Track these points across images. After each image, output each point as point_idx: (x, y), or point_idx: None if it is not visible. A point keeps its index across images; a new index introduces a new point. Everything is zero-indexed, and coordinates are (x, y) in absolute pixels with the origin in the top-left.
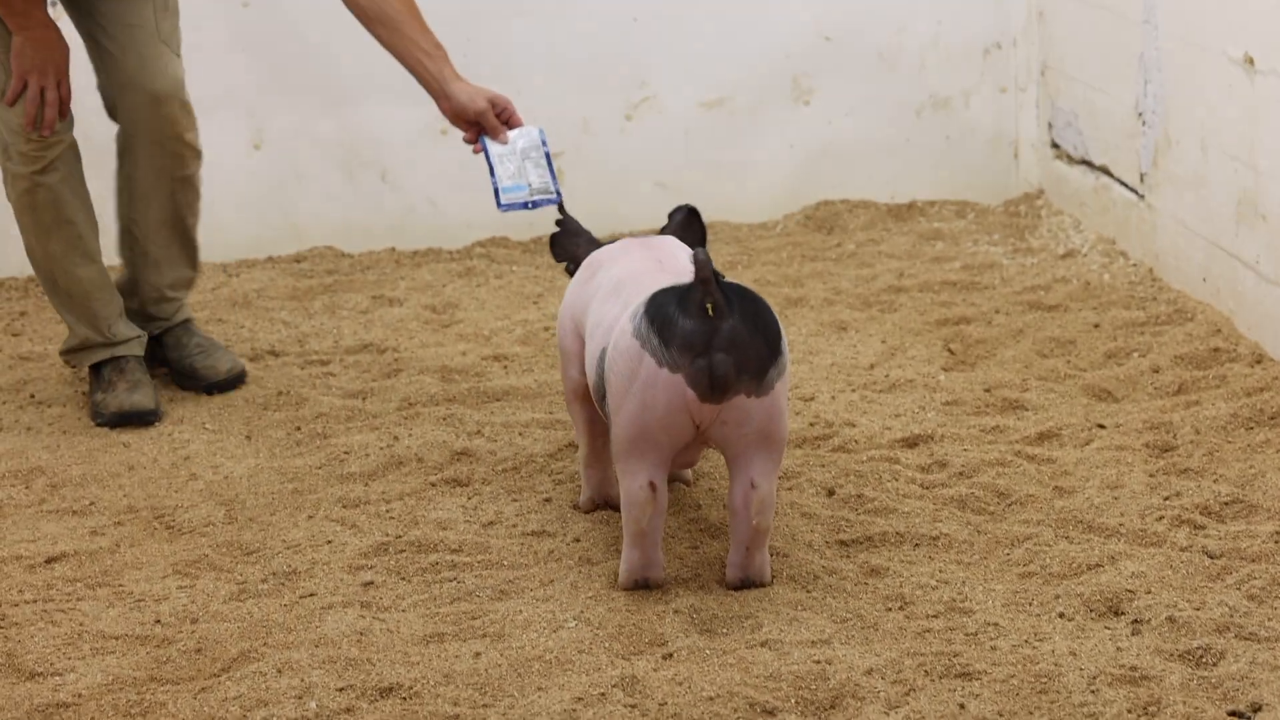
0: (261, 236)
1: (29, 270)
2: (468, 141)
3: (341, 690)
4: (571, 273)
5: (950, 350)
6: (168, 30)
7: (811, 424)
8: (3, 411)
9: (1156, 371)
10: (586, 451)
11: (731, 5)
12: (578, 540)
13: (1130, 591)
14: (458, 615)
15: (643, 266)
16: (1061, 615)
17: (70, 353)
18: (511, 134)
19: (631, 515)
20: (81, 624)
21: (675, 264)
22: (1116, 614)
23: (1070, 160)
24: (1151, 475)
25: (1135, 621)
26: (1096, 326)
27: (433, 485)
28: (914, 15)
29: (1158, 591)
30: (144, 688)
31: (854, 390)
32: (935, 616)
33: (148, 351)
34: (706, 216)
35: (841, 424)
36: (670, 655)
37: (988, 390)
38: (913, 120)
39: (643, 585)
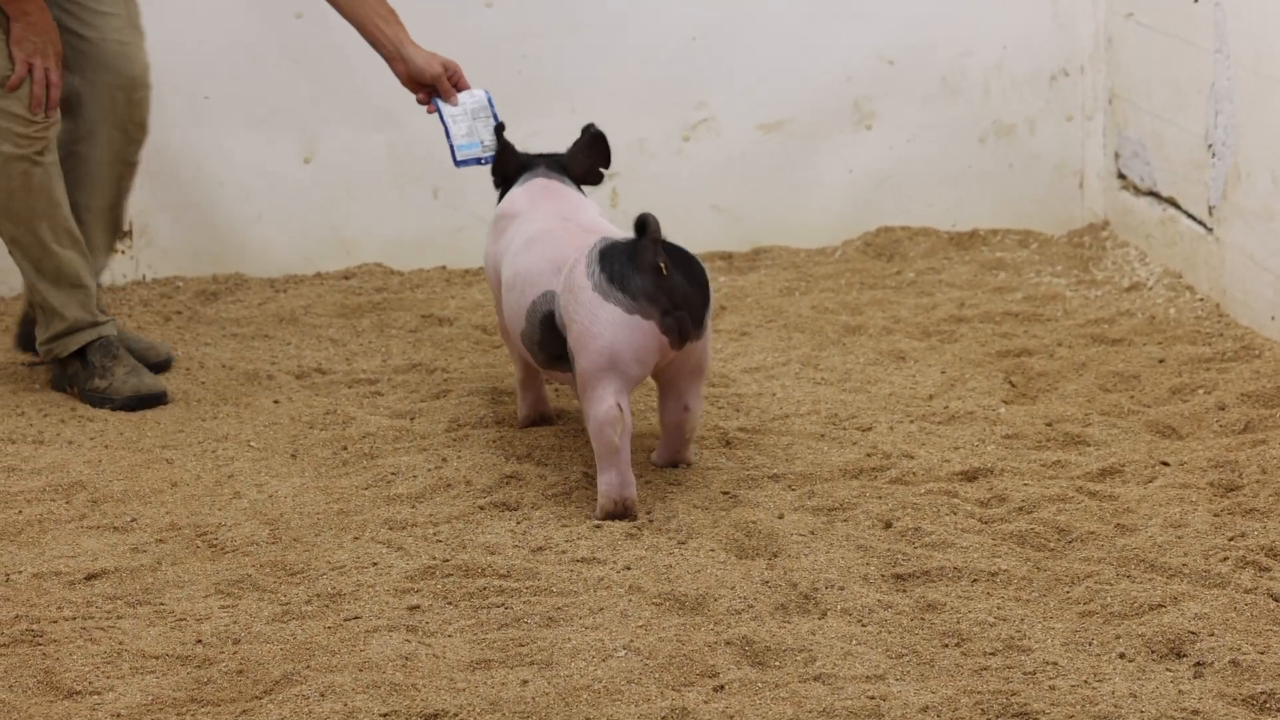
0: (310, 252)
1: None
2: (421, 103)
3: (385, 716)
4: (500, 190)
5: (1011, 383)
6: (136, 15)
7: (869, 454)
8: (44, 425)
9: (1222, 409)
10: (522, 375)
11: (793, 26)
12: (628, 568)
13: (1193, 633)
14: (505, 642)
15: (551, 223)
16: (1122, 656)
17: (56, 339)
18: (461, 96)
19: (604, 436)
20: (121, 642)
21: (580, 218)
22: (1178, 656)
23: (1137, 191)
24: (1216, 515)
25: (1198, 664)
26: (1161, 362)
27: (481, 508)
28: (979, 40)
29: (1221, 634)
30: (184, 709)
31: (912, 421)
32: (993, 654)
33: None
34: (764, 241)
35: (899, 455)
36: (721, 687)
37: (1049, 424)
38: (976, 147)
39: (620, 507)
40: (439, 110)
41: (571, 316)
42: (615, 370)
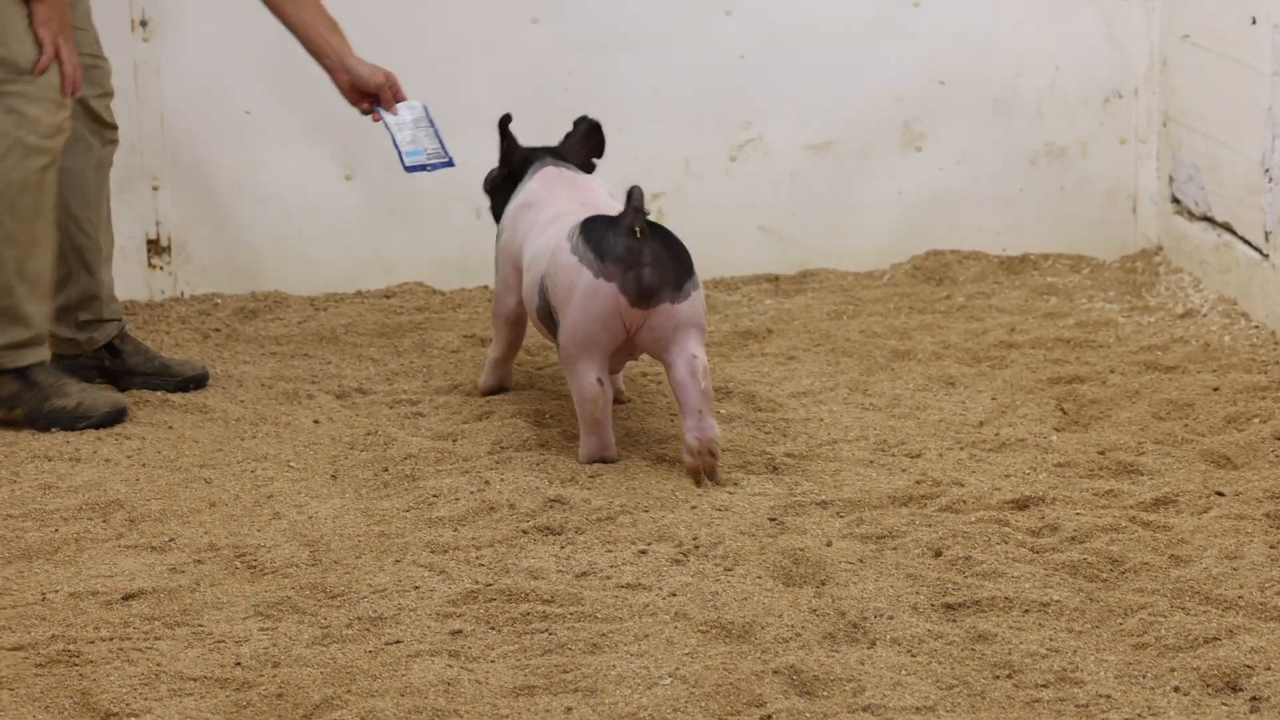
0: (351, 270)
1: None
2: (365, 112)
3: None
4: (490, 191)
5: (1063, 410)
6: (96, 33)
7: (918, 481)
8: (80, 442)
9: (1278, 438)
10: (500, 353)
11: (843, 45)
12: (674, 594)
13: (1249, 667)
14: (549, 668)
15: (569, 206)
16: (1176, 689)
17: (12, 348)
18: (400, 107)
19: (587, 409)
20: (159, 664)
21: (596, 202)
22: (1234, 690)
23: (1191, 216)
24: (1272, 546)
25: (1254, 699)
26: (1216, 390)
27: (524, 532)
28: (1031, 61)
29: (1278, 668)
30: None
31: (962, 448)
32: (1045, 686)
33: (94, 366)
34: (811, 263)
35: (949, 483)
36: (768, 717)
37: (1101, 453)
38: (1027, 170)
39: (600, 461)
40: (384, 119)
41: (551, 282)
42: (590, 341)
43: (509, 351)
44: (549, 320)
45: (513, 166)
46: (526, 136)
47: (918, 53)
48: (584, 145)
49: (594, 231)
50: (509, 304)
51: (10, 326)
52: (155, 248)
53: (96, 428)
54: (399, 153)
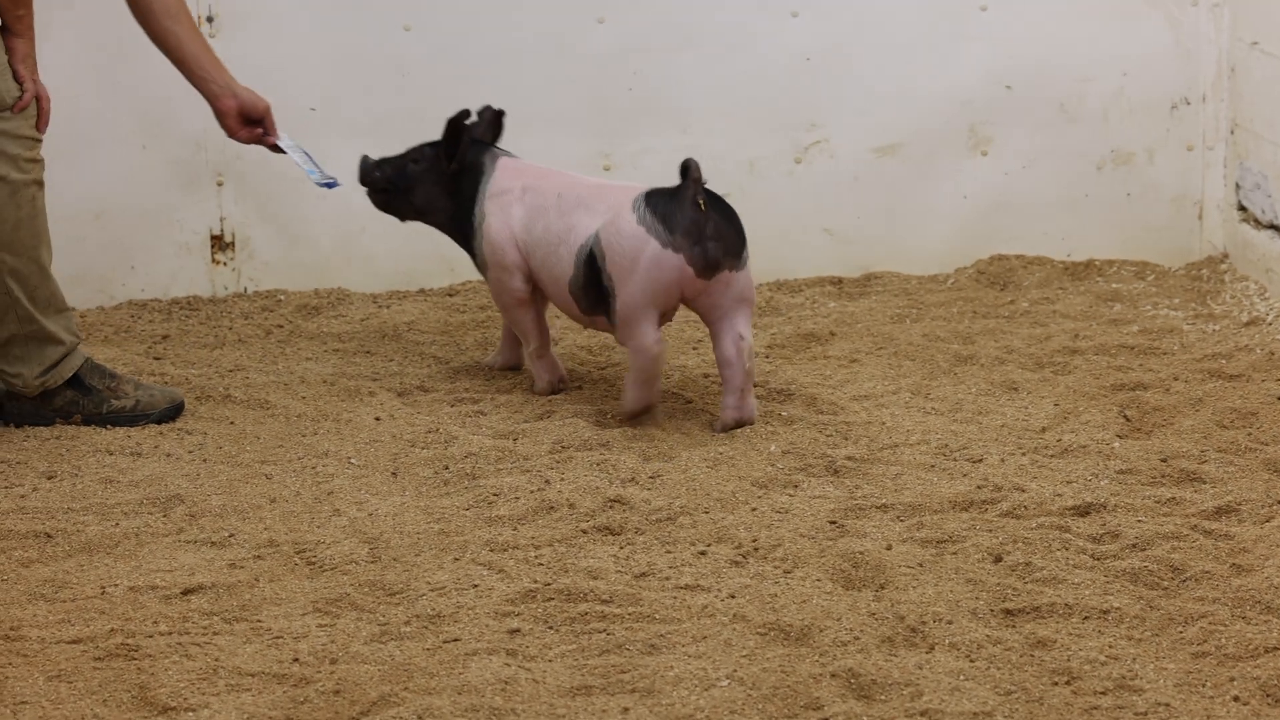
0: (414, 268)
1: (173, 291)
2: (245, 140)
3: None
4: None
5: (1126, 417)
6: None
7: (979, 486)
8: (142, 437)
9: None
10: (536, 345)
11: (909, 48)
12: (733, 596)
13: None
14: (606, 668)
15: (565, 185)
16: (1236, 699)
17: (53, 368)
18: (280, 133)
19: (647, 366)
20: (217, 659)
21: (581, 179)
22: None
23: (1257, 224)
24: None
25: None
26: None
27: (584, 532)
28: (1099, 66)
29: None
30: None
31: (1024, 454)
32: (1103, 693)
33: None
34: (875, 266)
35: (1010, 488)
36: None
37: (1164, 460)
38: (1093, 175)
39: (645, 412)
40: (284, 144)
41: (614, 252)
42: (652, 305)
43: (544, 339)
44: (585, 291)
45: (464, 161)
46: (589, 138)
47: (984, 57)
48: (487, 133)
49: (659, 204)
50: (517, 288)
51: (43, 349)
52: (219, 244)
53: (157, 423)
54: (314, 169)
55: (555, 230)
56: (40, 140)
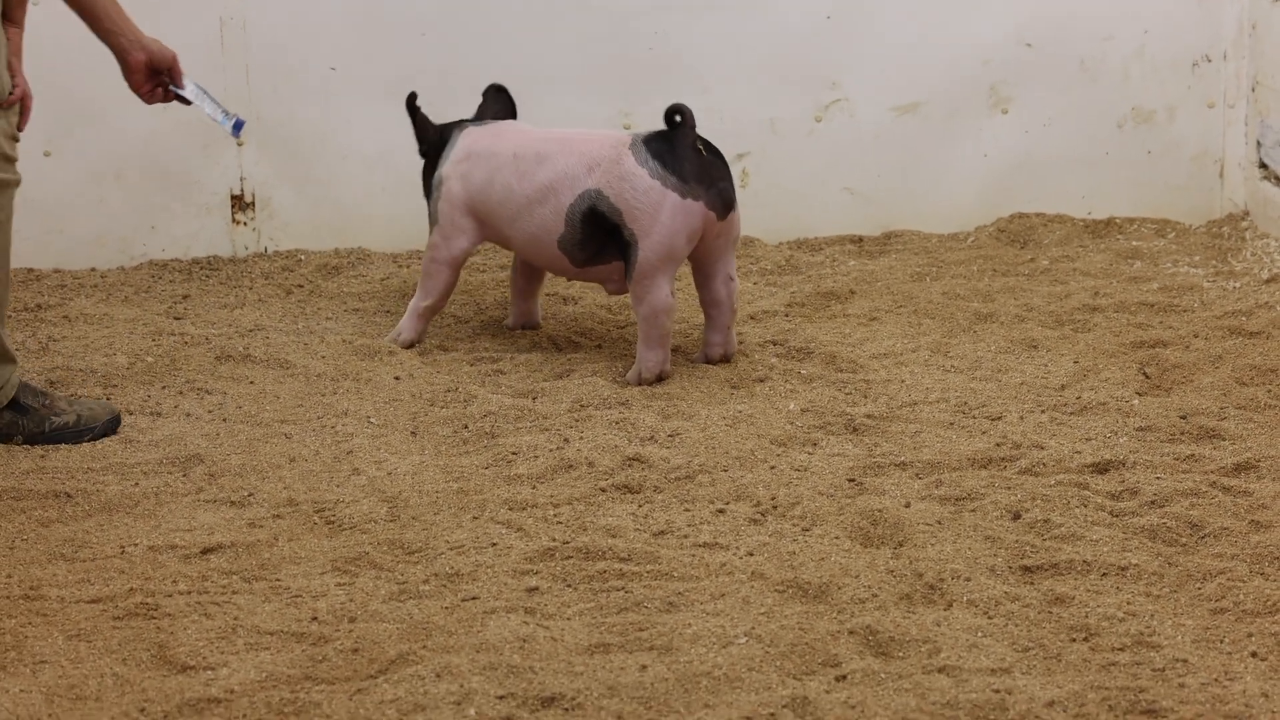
0: None
1: (194, 251)
2: (147, 95)
3: (502, 698)
4: (425, 154)
5: (1145, 374)
6: None
7: (998, 444)
8: (162, 397)
9: None
10: (432, 303)
11: (929, 7)
12: (751, 554)
13: None
14: (624, 626)
15: (543, 143)
16: (1254, 655)
17: (2, 388)
18: (185, 81)
19: (660, 323)
20: (236, 618)
21: (563, 133)
22: None
23: (1278, 181)
24: None
25: None
26: None
27: (602, 490)
28: (1119, 24)
29: None
30: (298, 686)
31: (1043, 411)
32: (1121, 650)
33: None
34: (895, 225)
35: (1029, 445)
36: (843, 677)
37: (1183, 417)
38: (1114, 133)
39: (657, 379)
40: (190, 92)
41: (633, 205)
42: (672, 259)
43: (442, 300)
44: (583, 246)
45: (431, 141)
46: (610, 97)
47: (1005, 15)
48: (495, 109)
49: (660, 153)
50: (458, 248)
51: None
52: (239, 203)
53: (98, 438)
54: (226, 118)
55: (523, 190)
56: (18, 138)
